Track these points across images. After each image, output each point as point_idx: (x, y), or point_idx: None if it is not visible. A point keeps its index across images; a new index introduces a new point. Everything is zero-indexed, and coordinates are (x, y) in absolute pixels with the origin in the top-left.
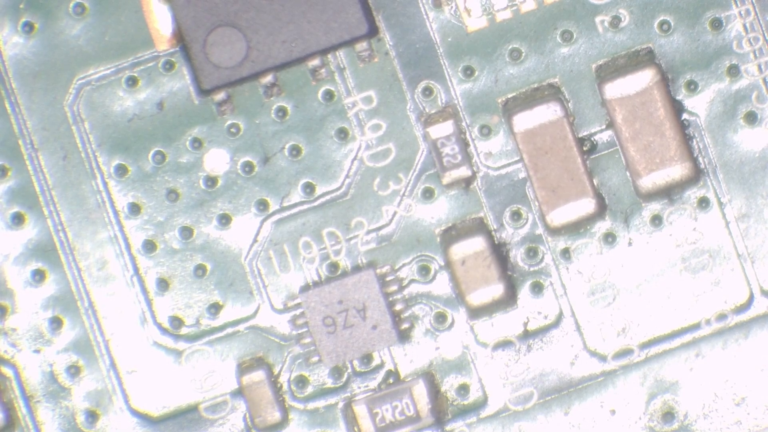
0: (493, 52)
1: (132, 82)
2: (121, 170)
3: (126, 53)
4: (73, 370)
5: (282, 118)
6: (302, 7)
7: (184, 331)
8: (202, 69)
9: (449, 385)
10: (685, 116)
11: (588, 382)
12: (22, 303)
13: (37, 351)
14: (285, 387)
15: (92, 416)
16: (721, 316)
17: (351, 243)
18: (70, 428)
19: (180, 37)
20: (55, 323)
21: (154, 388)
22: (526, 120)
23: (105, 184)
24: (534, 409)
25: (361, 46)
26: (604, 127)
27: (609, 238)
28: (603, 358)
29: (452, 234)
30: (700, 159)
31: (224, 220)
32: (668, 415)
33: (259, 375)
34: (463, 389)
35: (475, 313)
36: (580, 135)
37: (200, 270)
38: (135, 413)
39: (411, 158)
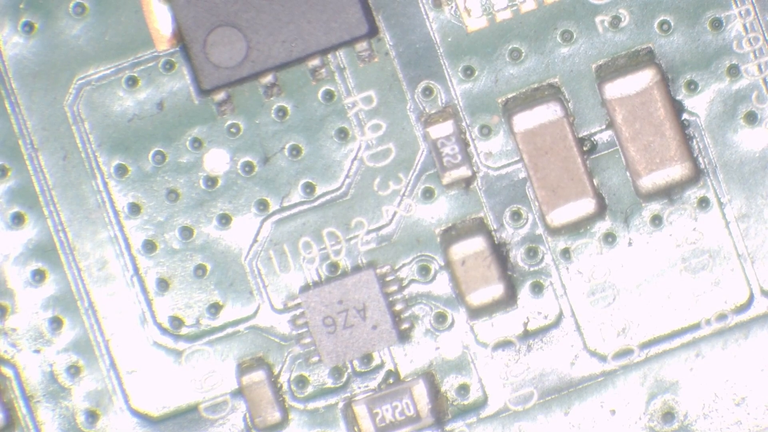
0: (493, 52)
1: (132, 82)
2: (121, 170)
3: (126, 53)
4: (73, 370)
5: (282, 118)
6: (302, 7)
7: (184, 331)
8: (202, 69)
9: (449, 385)
10: (685, 116)
11: (588, 382)
12: (22, 303)
13: (37, 351)
14: (285, 387)
15: (92, 416)
16: (721, 316)
17: (351, 243)
18: (70, 428)
19: (180, 37)
20: (55, 323)
21: (154, 388)
22: (526, 120)
23: (105, 184)
24: (534, 409)
25: (361, 46)
26: (604, 127)
27: (609, 238)
28: (603, 358)
29: (452, 234)
30: (700, 159)
31: (224, 220)
32: (668, 415)
33: (259, 375)
34: (463, 389)
35: (475, 313)
36: (580, 135)
37: (200, 270)
38: (135, 413)
39: (411, 158)
